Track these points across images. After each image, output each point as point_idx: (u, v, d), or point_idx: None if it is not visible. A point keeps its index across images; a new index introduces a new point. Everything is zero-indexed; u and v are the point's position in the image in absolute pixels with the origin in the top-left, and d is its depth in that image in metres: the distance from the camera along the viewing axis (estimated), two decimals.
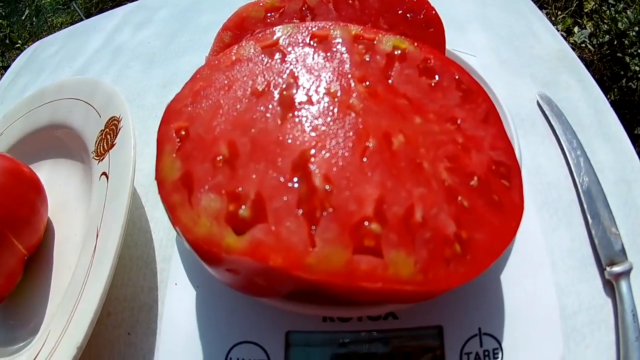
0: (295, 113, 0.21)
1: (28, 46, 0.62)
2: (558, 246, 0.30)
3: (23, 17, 1.79)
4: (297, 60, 0.23)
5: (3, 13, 1.73)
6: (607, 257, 0.28)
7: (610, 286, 0.27)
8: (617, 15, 0.77)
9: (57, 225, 0.32)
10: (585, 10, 0.90)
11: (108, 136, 0.30)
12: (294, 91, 0.22)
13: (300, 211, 0.18)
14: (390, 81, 0.23)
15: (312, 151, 0.19)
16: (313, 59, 0.23)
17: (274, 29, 0.25)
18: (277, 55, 0.24)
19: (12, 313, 0.30)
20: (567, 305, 0.27)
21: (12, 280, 0.29)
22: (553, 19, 0.94)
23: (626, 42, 0.75)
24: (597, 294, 0.28)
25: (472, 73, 0.30)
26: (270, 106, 0.21)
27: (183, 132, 0.22)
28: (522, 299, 0.25)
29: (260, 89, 0.22)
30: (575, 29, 0.88)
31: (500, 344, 0.23)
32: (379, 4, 0.31)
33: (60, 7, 1.84)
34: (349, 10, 0.31)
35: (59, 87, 0.34)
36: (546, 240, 0.30)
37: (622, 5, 0.82)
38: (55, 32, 0.65)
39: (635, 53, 0.72)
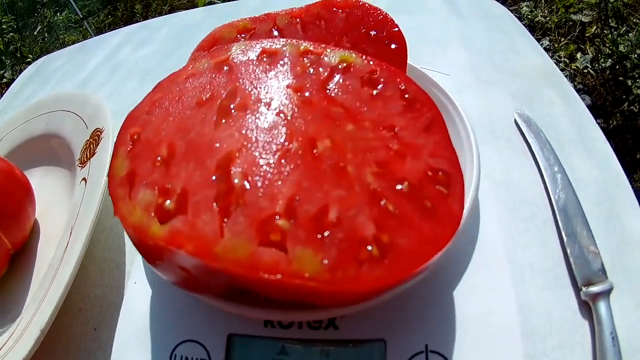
0: (228, 120, 0.21)
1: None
2: (529, 265, 0.27)
3: (35, 33, 1.78)
4: (241, 74, 0.24)
5: (15, 26, 1.72)
6: (583, 276, 0.25)
7: (587, 308, 0.25)
8: (618, 39, 0.73)
9: (43, 226, 0.33)
10: (587, 35, 0.86)
11: (91, 145, 0.31)
12: (232, 100, 0.22)
13: (216, 205, 0.18)
14: (328, 91, 0.22)
15: (237, 152, 0.19)
16: (257, 72, 0.24)
17: (231, 45, 0.26)
18: (225, 69, 0.24)
19: None
20: (537, 327, 0.25)
21: None
22: (556, 45, 0.90)
23: (628, 65, 0.71)
24: (572, 315, 0.25)
25: (439, 90, 0.30)
26: (209, 113, 0.22)
27: (136, 137, 0.23)
28: (476, 317, 0.23)
29: (204, 99, 0.23)
30: (578, 55, 0.84)
31: None
32: (344, 24, 0.30)
33: (73, 25, 1.84)
34: (315, 30, 0.31)
35: (55, 100, 0.35)
36: (510, 258, 0.27)
37: (624, 29, 0.77)
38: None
39: (637, 76, 0.67)
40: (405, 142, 0.21)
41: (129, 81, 0.51)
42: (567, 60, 0.86)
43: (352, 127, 0.21)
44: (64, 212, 0.31)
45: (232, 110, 0.21)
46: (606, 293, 0.24)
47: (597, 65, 0.78)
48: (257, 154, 0.19)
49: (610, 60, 0.73)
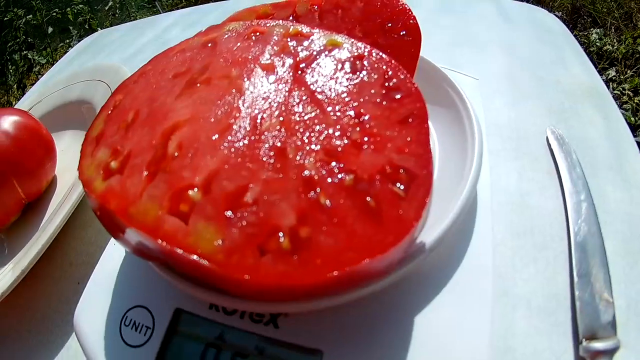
0: (190, 92, 0.20)
1: None
2: (527, 301, 0.22)
3: (107, 7, 1.76)
4: (221, 50, 0.22)
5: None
6: (588, 327, 0.20)
7: None
8: None
9: (60, 182, 0.34)
10: None
11: None
12: (201, 75, 0.21)
13: (147, 170, 0.17)
14: (299, 72, 0.20)
15: (183, 123, 0.18)
16: (236, 49, 0.22)
17: (226, 24, 0.24)
18: (209, 45, 0.23)
19: (1, 247, 0.32)
20: None
21: (7, 217, 0.31)
22: (621, 77, 0.77)
23: None
24: None
25: (450, 87, 0.26)
26: (177, 85, 0.21)
27: (117, 102, 0.23)
28: (437, 354, 0.19)
29: (181, 72, 0.22)
30: None
31: None
32: (360, 13, 0.28)
33: (145, 5, 1.78)
34: (331, 19, 0.28)
35: (93, 70, 0.37)
36: (506, 290, 0.23)
37: None
38: None
39: None
40: (370, 132, 0.18)
41: None
42: (631, 94, 0.73)
43: (313, 110, 0.18)
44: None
45: (197, 84, 0.20)
46: (610, 352, 0.19)
47: None
48: (198, 125, 0.18)
49: None
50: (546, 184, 0.26)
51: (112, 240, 0.27)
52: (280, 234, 0.14)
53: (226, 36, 0.23)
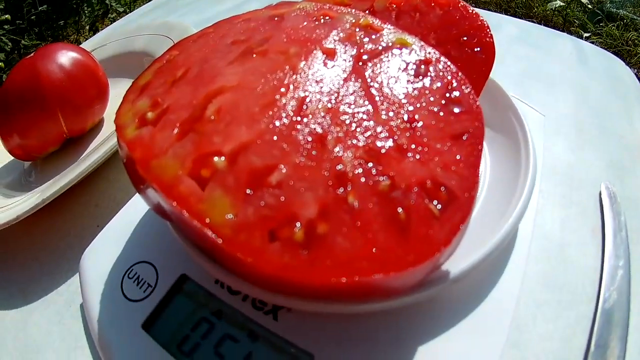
0: (244, 60, 0.18)
1: None
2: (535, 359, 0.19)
3: None
4: (286, 26, 0.21)
5: None
6: None
7: None
8: None
9: (107, 126, 0.34)
10: None
11: None
12: (260, 46, 0.19)
13: (179, 127, 0.16)
14: (360, 64, 0.18)
15: (228, 89, 0.17)
16: (301, 28, 0.20)
17: (299, 2, 0.22)
18: (275, 19, 0.21)
19: (36, 174, 0.32)
20: None
21: (45, 147, 0.31)
22: None
23: None
24: None
25: (515, 116, 0.23)
26: (233, 52, 0.19)
27: (172, 57, 0.21)
28: None
29: (240, 39, 0.20)
30: None
31: None
32: (438, 21, 0.25)
33: None
34: (407, 20, 0.26)
35: (161, 25, 0.36)
36: (518, 343, 0.20)
37: None
38: None
39: None
40: (419, 141, 0.16)
41: None
42: None
43: (364, 104, 0.16)
44: None
45: (253, 54, 0.18)
46: None
47: None
48: (242, 94, 0.16)
49: None
50: (588, 241, 0.23)
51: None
52: (297, 224, 0.12)
53: (294, 14, 0.21)
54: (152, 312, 0.20)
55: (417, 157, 0.15)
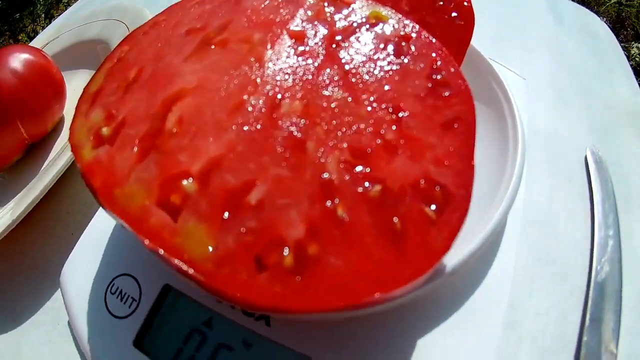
0: (201, 54, 0.16)
1: None
2: (532, 339, 0.19)
3: None
4: (245, 7, 0.18)
5: None
6: None
7: None
8: None
9: (68, 124, 0.30)
10: None
11: None
12: (218, 35, 0.17)
13: (139, 145, 0.14)
14: (334, 46, 0.15)
15: (187, 92, 0.14)
16: (262, 8, 0.18)
17: None
18: (233, 2, 0.18)
19: (3, 188, 0.29)
20: None
21: (8, 158, 0.28)
22: None
23: None
24: None
25: (497, 84, 0.21)
26: (188, 44, 0.17)
27: (122, 55, 0.19)
28: None
29: (195, 27, 0.18)
30: None
31: None
32: None
33: None
34: None
35: (114, 9, 0.32)
36: (515, 322, 0.19)
37: None
38: None
39: None
40: (408, 134, 0.14)
41: None
42: None
43: (344, 96, 0.14)
44: None
45: (211, 45, 0.16)
46: None
47: None
48: (205, 98, 0.14)
49: None
50: (577, 209, 0.23)
51: None
52: (285, 248, 0.11)
53: None
54: (141, 328, 0.18)
55: (407, 153, 0.14)
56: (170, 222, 0.11)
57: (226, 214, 0.11)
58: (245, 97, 0.13)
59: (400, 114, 0.14)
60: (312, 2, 0.17)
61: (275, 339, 0.17)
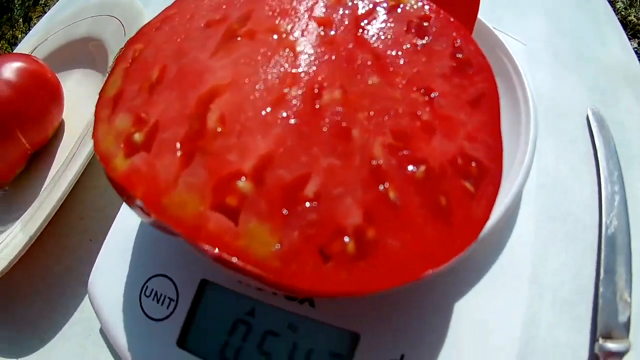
0: (229, 47, 0.15)
1: None
2: (554, 291, 0.21)
3: None
4: None
5: None
6: (605, 326, 0.19)
7: None
8: None
9: (68, 128, 0.30)
10: None
11: None
12: (242, 25, 0.16)
13: (181, 148, 0.13)
14: (361, 31, 0.16)
15: (223, 88, 0.14)
16: None
17: None
18: None
19: (7, 201, 0.28)
20: None
21: (12, 170, 0.27)
22: None
23: None
24: None
25: (505, 56, 0.22)
26: (212, 37, 0.16)
27: (137, 54, 0.18)
28: (473, 341, 0.17)
29: (215, 20, 0.17)
30: None
31: None
32: None
33: None
34: None
35: (101, 4, 0.31)
36: (536, 278, 0.21)
37: None
38: None
39: None
40: (441, 114, 0.14)
41: None
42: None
43: (378, 81, 0.14)
44: (89, 116, 0.28)
45: (238, 37, 0.16)
46: (621, 354, 0.17)
47: None
48: (244, 92, 0.14)
49: None
50: (582, 168, 0.24)
51: None
52: (346, 236, 0.11)
53: None
54: (183, 327, 0.19)
55: (443, 132, 0.14)
56: (230, 225, 0.11)
57: (285, 210, 0.11)
58: (285, 90, 0.13)
59: (432, 95, 0.15)
60: None
61: (321, 319, 0.17)
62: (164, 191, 0.12)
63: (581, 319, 0.19)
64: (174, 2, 0.20)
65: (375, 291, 0.11)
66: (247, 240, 0.11)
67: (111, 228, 0.23)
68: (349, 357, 0.17)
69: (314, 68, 0.14)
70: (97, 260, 0.22)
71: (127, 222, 0.23)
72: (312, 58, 0.14)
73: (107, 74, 0.26)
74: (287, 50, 0.14)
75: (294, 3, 0.17)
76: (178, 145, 0.13)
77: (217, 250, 0.11)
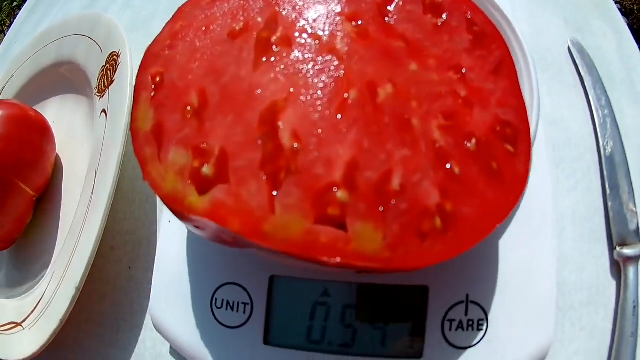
0: (270, 58, 0.17)
1: None
2: (572, 212, 0.25)
3: None
4: None
5: None
6: (619, 235, 0.23)
7: (618, 268, 0.23)
8: None
9: (65, 161, 0.30)
10: None
11: (108, 72, 0.27)
12: (272, 32, 0.17)
13: (263, 172, 0.15)
14: (387, 19, 0.18)
15: (283, 103, 0.16)
16: None
17: None
18: None
19: (23, 253, 0.29)
20: (569, 280, 0.23)
21: (22, 222, 0.28)
22: None
23: None
24: (602, 273, 0.23)
25: (493, 6, 0.24)
26: (244, 50, 0.17)
27: (158, 79, 0.18)
28: (517, 270, 0.21)
29: (238, 29, 0.18)
30: None
31: (486, 315, 0.20)
32: None
33: None
34: None
35: (64, 25, 0.30)
36: (555, 202, 0.25)
37: None
38: None
39: None
40: (473, 87, 0.17)
41: None
42: None
43: (416, 67, 0.17)
44: (86, 143, 0.28)
45: (273, 46, 0.17)
46: (636, 259, 0.22)
47: None
48: (307, 104, 0.15)
49: None
50: (573, 97, 0.28)
51: (167, 217, 0.25)
52: (434, 215, 0.15)
53: None
54: (266, 325, 0.21)
55: (479, 104, 0.17)
56: (339, 233, 0.13)
57: (381, 207, 0.14)
58: (345, 95, 0.15)
59: (463, 71, 0.17)
60: None
61: (390, 282, 0.21)
62: (263, 218, 0.14)
63: (597, 231, 0.24)
64: (175, 15, 0.20)
65: (463, 252, 0.15)
66: (358, 242, 0.13)
67: (157, 254, 0.24)
68: (423, 308, 0.21)
69: (361, 67, 0.16)
70: (152, 287, 0.23)
71: (170, 245, 0.24)
72: (355, 57, 0.16)
73: (97, 97, 0.27)
74: (329, 53, 0.16)
75: (313, 0, 0.18)
76: (258, 169, 0.15)
77: (338, 259, 0.13)
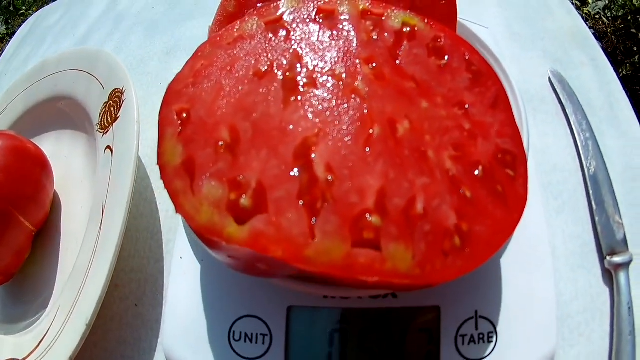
0: (298, 97, 0.20)
1: (33, 12, 0.59)
2: (561, 230, 0.29)
3: None
4: (301, 39, 0.22)
5: None
6: (608, 246, 0.28)
7: (609, 276, 0.27)
8: None
9: (64, 197, 0.32)
10: None
11: (112, 108, 0.29)
12: (298, 72, 0.21)
13: (301, 202, 0.17)
14: (398, 62, 0.22)
15: (314, 139, 0.19)
16: (318, 37, 0.22)
17: (279, 2, 0.24)
18: (281, 33, 0.22)
19: (21, 289, 0.30)
20: (565, 291, 0.27)
21: (21, 256, 0.29)
22: None
23: None
24: (595, 282, 0.27)
25: (484, 47, 0.29)
26: (272, 88, 0.21)
27: (184, 115, 0.21)
28: (520, 285, 0.25)
29: (263, 70, 0.21)
30: (590, 0, 0.83)
31: (495, 328, 0.24)
32: None
33: None
34: None
35: (59, 59, 0.33)
36: (549, 225, 0.29)
37: None
38: None
39: None
40: (475, 121, 0.21)
41: (137, 31, 0.47)
42: (579, 3, 0.84)
43: (427, 105, 0.21)
44: (86, 180, 0.30)
45: (300, 86, 0.20)
46: (626, 265, 0.26)
47: (609, 13, 0.78)
48: (336, 140, 0.19)
49: (622, 11, 0.73)
50: (556, 124, 0.33)
51: (178, 254, 0.27)
52: (453, 235, 0.18)
53: (292, 18, 0.23)
54: (286, 354, 0.24)
55: (482, 136, 0.21)
56: (376, 254, 0.16)
57: (409, 229, 0.17)
58: (370, 131, 0.19)
59: (466, 106, 0.22)
60: (351, 21, 0.23)
61: (405, 305, 0.24)
62: (304, 244, 0.16)
63: (587, 245, 0.28)
64: (195, 54, 0.22)
65: (479, 265, 0.18)
66: (392, 261, 0.16)
67: (168, 290, 0.26)
68: (437, 327, 0.24)
69: (381, 105, 0.20)
70: (163, 323, 0.26)
71: (182, 281, 0.26)
72: (375, 96, 0.20)
73: (99, 134, 0.29)
74: (352, 92, 0.20)
75: (330, 43, 0.22)
76: (296, 200, 0.17)
77: (377, 278, 0.16)
